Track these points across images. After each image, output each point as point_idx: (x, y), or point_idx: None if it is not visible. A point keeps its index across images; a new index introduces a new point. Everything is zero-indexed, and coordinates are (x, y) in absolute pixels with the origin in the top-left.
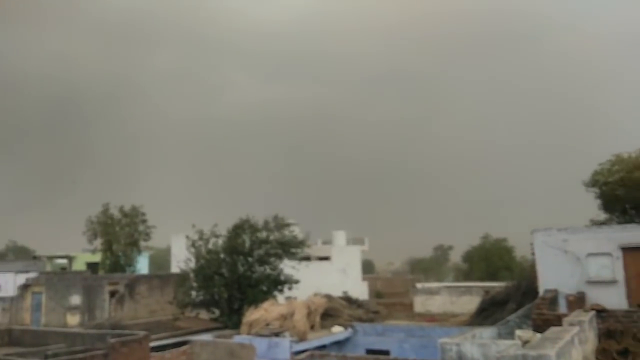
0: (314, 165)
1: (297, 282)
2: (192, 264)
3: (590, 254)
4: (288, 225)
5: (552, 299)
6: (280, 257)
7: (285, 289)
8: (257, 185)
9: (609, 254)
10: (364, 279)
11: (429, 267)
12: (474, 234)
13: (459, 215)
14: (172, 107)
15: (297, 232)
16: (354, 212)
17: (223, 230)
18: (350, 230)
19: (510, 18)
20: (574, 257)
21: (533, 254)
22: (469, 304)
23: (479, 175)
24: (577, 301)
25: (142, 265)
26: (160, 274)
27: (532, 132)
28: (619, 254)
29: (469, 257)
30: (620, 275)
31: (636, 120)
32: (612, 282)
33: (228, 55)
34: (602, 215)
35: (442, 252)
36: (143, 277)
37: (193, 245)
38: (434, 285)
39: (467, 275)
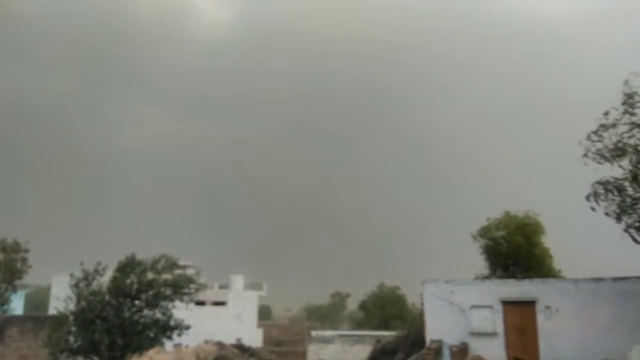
0: (214, 206)
1: (188, 327)
2: (72, 306)
3: (473, 306)
4: (181, 267)
5: (437, 349)
6: (171, 300)
7: (175, 336)
8: (155, 224)
9: (490, 307)
10: (259, 325)
11: (326, 314)
12: (371, 282)
13: (357, 263)
14: (69, 135)
15: (191, 273)
16: (253, 256)
17: (113, 269)
18: (249, 275)
19: (424, 70)
20: (459, 308)
21: (422, 304)
22: (361, 353)
23: (380, 222)
24: (460, 352)
25: (17, 305)
26: (35, 316)
27: (427, 185)
28: (500, 307)
29: (365, 305)
30: (500, 327)
31: (528, 178)
32: (493, 334)
33: (135, 87)
34: (486, 270)
35: (340, 299)
36: (15, 318)
37: (76, 285)
38: (328, 333)
39: (362, 324)
